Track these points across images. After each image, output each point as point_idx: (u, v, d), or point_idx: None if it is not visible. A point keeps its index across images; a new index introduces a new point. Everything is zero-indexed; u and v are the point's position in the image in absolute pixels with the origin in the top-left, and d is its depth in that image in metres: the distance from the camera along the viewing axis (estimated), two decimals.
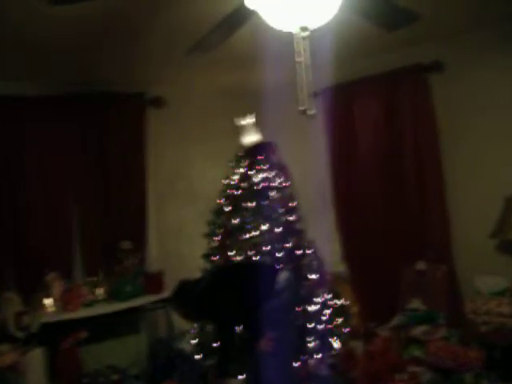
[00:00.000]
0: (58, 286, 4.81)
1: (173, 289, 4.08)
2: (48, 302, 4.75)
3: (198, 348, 5.04)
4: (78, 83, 5.23)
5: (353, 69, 5.51)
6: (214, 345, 4.73)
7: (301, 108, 2.57)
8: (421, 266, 5.24)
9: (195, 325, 5.08)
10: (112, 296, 5.05)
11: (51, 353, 4.47)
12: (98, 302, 4.96)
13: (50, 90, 5.13)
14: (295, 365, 4.46)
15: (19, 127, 5.04)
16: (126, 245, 5.21)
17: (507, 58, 4.72)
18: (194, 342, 5.07)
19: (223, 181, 5.17)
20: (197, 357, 5.00)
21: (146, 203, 5.70)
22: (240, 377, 4.42)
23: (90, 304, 4.91)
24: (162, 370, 5.21)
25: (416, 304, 5.04)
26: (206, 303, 3.88)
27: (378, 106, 5.49)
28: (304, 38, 2.55)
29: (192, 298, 3.90)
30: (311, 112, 2.57)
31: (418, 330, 4.71)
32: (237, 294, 3.87)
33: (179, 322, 5.35)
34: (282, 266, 4.56)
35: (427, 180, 5.25)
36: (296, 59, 2.59)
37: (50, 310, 4.74)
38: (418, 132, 5.27)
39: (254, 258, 4.72)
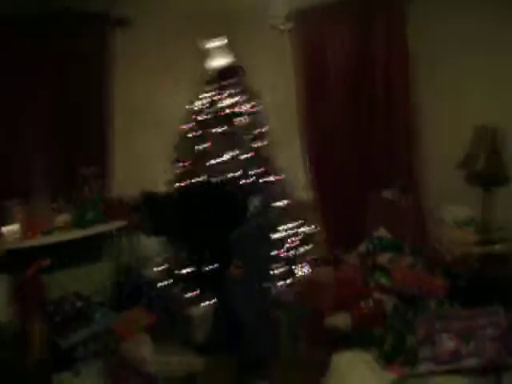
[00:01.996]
0: (17, 214, 4.68)
1: (140, 199, 3.99)
2: (8, 229, 4.63)
3: (165, 274, 5.03)
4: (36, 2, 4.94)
5: None
6: (182, 271, 4.73)
7: (272, 23, 2.44)
8: (388, 194, 5.23)
9: (160, 250, 5.06)
10: (74, 223, 4.95)
11: (15, 280, 4.39)
12: (60, 229, 4.85)
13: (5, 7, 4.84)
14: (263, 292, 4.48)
15: None
16: (88, 170, 5.08)
17: None
18: (160, 268, 5.05)
19: (191, 105, 5.04)
20: (163, 283, 5.00)
21: (109, 128, 5.52)
22: (206, 303, 4.44)
23: (51, 231, 4.81)
24: (129, 297, 5.21)
25: (382, 232, 5.06)
26: (177, 218, 3.79)
27: (351, 32, 5.32)
28: None
29: (162, 210, 3.81)
30: (282, 27, 2.44)
31: (384, 258, 4.73)
32: (207, 215, 3.80)
33: (144, 249, 5.33)
34: (251, 192, 4.50)
35: (397, 108, 5.18)
36: None
37: (11, 238, 4.63)
38: (390, 59, 5.14)
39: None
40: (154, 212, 3.88)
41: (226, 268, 3.82)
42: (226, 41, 4.92)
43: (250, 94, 5.02)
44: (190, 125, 5.01)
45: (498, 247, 4.49)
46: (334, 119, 5.57)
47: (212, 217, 3.84)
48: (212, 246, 3.89)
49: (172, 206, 3.82)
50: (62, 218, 4.89)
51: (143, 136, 5.70)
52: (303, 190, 5.95)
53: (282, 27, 2.42)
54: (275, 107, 5.78)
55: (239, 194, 4.47)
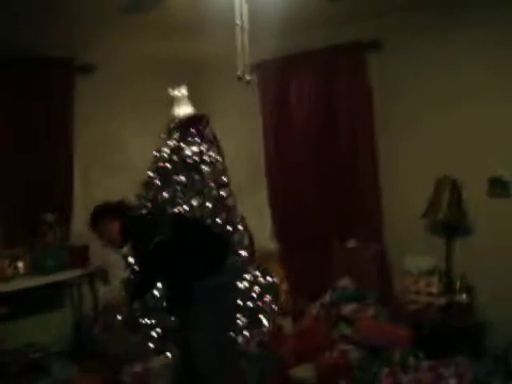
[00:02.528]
0: None
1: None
2: None
3: (125, 324, 4.92)
4: (1, 46, 4.91)
5: (291, 43, 5.38)
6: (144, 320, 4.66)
7: (238, 74, 2.47)
8: (351, 243, 5.25)
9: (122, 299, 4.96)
10: (34, 270, 4.84)
11: None
12: (20, 276, 4.73)
13: None
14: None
15: None
16: (49, 217, 4.99)
17: (443, 38, 4.71)
18: (119, 317, 4.94)
19: (154, 153, 5.02)
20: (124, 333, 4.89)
21: (72, 175, 5.45)
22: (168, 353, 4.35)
23: (10, 278, 4.68)
24: (88, 346, 5.08)
25: (346, 282, 5.05)
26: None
27: (315, 82, 5.42)
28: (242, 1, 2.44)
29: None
30: (248, 78, 2.47)
31: (348, 308, 4.72)
32: (194, 252, 3.70)
33: (105, 298, 5.23)
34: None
35: (360, 158, 5.23)
36: (236, 21, 2.47)
37: None
38: (353, 109, 5.22)
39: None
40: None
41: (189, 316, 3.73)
42: (185, 91, 4.94)
43: (214, 142, 5.02)
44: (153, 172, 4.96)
45: (461, 296, 4.52)
46: (298, 168, 5.61)
47: (199, 253, 3.74)
48: (180, 291, 3.78)
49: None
50: (22, 265, 4.77)
51: (106, 181, 5.65)
52: (267, 240, 5.95)
53: (247, 78, 2.44)
54: (240, 156, 5.81)
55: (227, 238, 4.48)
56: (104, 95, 5.64)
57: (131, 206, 4.10)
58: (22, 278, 4.74)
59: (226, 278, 3.90)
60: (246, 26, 2.46)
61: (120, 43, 5.30)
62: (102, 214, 3.77)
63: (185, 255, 3.66)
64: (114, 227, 3.70)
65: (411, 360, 3.95)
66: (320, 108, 5.43)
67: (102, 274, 5.19)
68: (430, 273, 4.67)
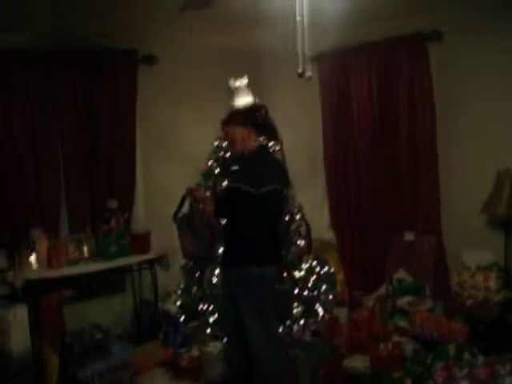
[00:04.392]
0: (43, 243, 4.74)
1: None
2: (32, 258, 4.69)
3: (183, 309, 5.04)
4: (69, 38, 5.07)
5: (351, 35, 5.36)
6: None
7: (298, 71, 2.51)
8: (409, 236, 5.23)
9: (180, 285, 5.08)
10: (98, 255, 4.99)
11: (35, 311, 4.42)
12: (84, 261, 4.90)
13: (38, 43, 4.96)
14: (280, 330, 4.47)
15: (7, 81, 4.89)
16: (113, 203, 5.14)
17: (506, 29, 4.62)
18: (178, 303, 5.07)
19: (214, 143, 5.10)
20: (181, 318, 5.02)
21: (134, 162, 5.60)
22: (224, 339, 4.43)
23: (75, 262, 4.84)
24: (147, 330, 5.23)
25: (402, 274, 5.04)
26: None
27: (375, 74, 5.39)
28: None
29: None
30: (307, 74, 2.50)
31: (404, 301, 4.72)
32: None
33: (164, 284, 5.37)
34: None
35: (420, 151, 5.19)
36: (296, 18, 2.50)
37: (35, 266, 4.68)
38: (413, 102, 5.18)
39: None
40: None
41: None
42: (246, 81, 4.99)
43: (273, 133, 5.06)
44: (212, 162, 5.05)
45: None
46: (357, 161, 5.61)
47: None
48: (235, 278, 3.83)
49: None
50: (87, 250, 4.94)
51: (166, 169, 5.79)
52: (324, 230, 5.99)
53: (308, 74, 2.48)
54: (299, 146, 5.86)
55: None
56: (165, 85, 5.76)
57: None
58: (85, 262, 4.88)
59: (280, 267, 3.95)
60: (306, 21, 2.49)
61: (180, 35, 5.38)
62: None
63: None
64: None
65: (466, 355, 3.92)
66: (380, 99, 5.41)
67: (163, 261, 5.31)
68: (488, 268, 4.61)
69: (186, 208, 3.93)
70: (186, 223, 4.11)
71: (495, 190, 4.58)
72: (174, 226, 4.25)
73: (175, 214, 4.12)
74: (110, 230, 5.04)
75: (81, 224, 5.13)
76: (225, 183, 4.76)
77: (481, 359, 3.79)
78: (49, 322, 4.48)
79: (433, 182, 5.13)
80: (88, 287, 5.18)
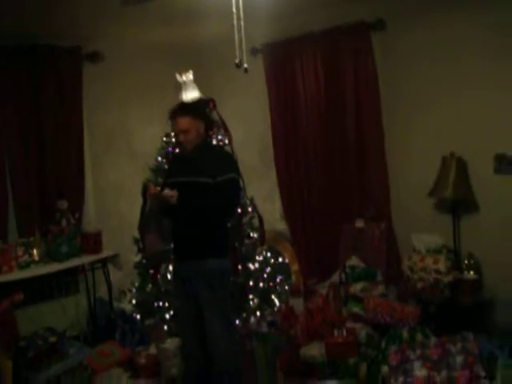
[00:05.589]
0: None
1: None
2: None
3: (139, 308, 5.01)
4: (12, 35, 4.97)
5: (294, 25, 5.41)
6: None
7: (236, 61, 2.51)
8: (360, 223, 5.30)
9: (135, 284, 5.04)
10: (49, 256, 4.92)
11: None
12: (35, 263, 4.82)
13: None
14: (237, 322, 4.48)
15: None
16: (63, 204, 5.07)
17: (447, 16, 4.71)
18: (133, 301, 5.03)
19: (163, 138, 5.07)
20: (137, 316, 4.98)
21: (83, 161, 5.53)
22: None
23: (26, 265, 4.77)
24: (103, 330, 5.18)
25: (355, 261, 5.12)
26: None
27: (320, 63, 5.46)
28: None
29: None
30: (245, 66, 2.51)
31: (357, 287, 4.78)
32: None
33: (119, 282, 5.32)
34: None
35: (367, 138, 5.29)
36: (232, 10, 2.51)
37: None
38: (359, 89, 5.26)
39: None
40: None
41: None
42: (191, 76, 4.97)
43: (221, 126, 5.05)
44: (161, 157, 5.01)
45: (468, 274, 4.56)
46: (307, 151, 5.66)
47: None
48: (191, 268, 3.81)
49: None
50: (37, 252, 4.85)
51: (116, 166, 5.74)
52: (277, 221, 6.02)
53: (245, 66, 2.49)
54: (249, 138, 5.87)
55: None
56: (111, 83, 5.71)
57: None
58: (36, 264, 4.81)
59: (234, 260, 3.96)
60: (241, 13, 2.49)
61: (124, 32, 5.34)
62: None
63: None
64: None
65: (419, 337, 4.00)
66: (326, 89, 5.48)
67: (116, 260, 5.27)
68: (438, 250, 4.71)
69: (147, 208, 3.87)
70: (153, 220, 4.07)
71: (441, 174, 4.68)
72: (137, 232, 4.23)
73: (140, 226, 4.08)
74: (60, 231, 4.97)
75: (30, 227, 5.04)
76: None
77: (433, 340, 3.87)
78: (1, 327, 4.39)
79: (380, 168, 5.22)
80: (40, 290, 5.10)
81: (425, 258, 4.67)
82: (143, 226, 4.10)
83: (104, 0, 4.27)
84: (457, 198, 4.67)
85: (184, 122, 3.71)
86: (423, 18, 4.83)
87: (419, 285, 4.61)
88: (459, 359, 3.58)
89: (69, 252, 4.96)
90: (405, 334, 4.05)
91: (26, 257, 4.78)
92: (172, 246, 3.90)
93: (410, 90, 5.03)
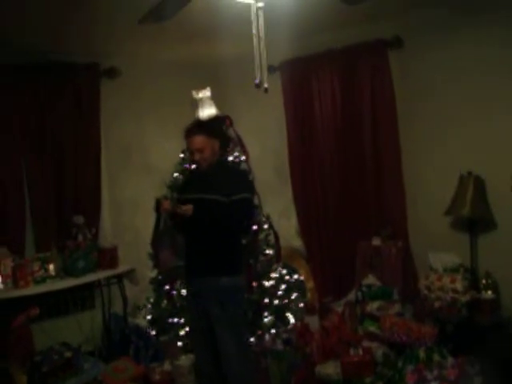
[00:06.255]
0: (8, 262, 4.66)
1: None
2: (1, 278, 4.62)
3: (153, 324, 5.01)
4: (31, 52, 5.04)
5: (312, 43, 5.44)
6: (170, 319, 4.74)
7: (255, 81, 2.52)
8: (376, 241, 5.27)
9: (150, 299, 5.05)
10: (65, 272, 4.93)
11: (2, 331, 4.36)
12: (51, 278, 4.83)
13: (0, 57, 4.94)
14: (251, 340, 4.46)
15: None
16: (79, 219, 5.09)
17: (466, 34, 4.70)
18: (148, 317, 5.04)
19: (180, 155, 5.09)
20: (152, 332, 4.98)
21: (99, 177, 5.57)
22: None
23: (42, 280, 4.78)
24: (117, 346, 5.18)
25: (371, 280, 5.09)
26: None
27: (337, 81, 5.46)
28: (259, 9, 2.48)
29: None
30: (265, 86, 2.52)
31: (373, 306, 4.75)
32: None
33: (134, 298, 5.33)
34: None
35: (384, 156, 5.27)
36: (252, 31, 2.52)
37: (1, 287, 4.60)
38: (376, 107, 5.26)
39: None
40: None
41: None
42: (209, 92, 5.00)
43: (237, 143, 5.07)
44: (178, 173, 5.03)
45: (486, 293, 4.52)
46: (323, 168, 5.65)
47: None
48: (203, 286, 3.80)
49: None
50: (53, 267, 4.87)
51: (132, 182, 5.78)
52: (292, 238, 6.01)
53: (265, 86, 2.50)
54: (265, 156, 5.88)
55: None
56: (128, 99, 5.76)
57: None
58: (52, 280, 4.82)
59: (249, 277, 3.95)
60: (263, 34, 2.50)
61: (141, 48, 5.40)
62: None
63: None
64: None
65: (436, 357, 3.96)
66: (343, 106, 5.47)
67: (131, 275, 5.28)
68: (455, 269, 4.67)
69: (162, 224, 3.88)
70: (168, 236, 4.08)
71: (458, 193, 4.65)
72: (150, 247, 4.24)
73: (153, 242, 4.10)
74: (76, 246, 4.99)
75: (47, 242, 5.07)
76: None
77: (450, 360, 3.84)
78: (17, 341, 4.41)
79: (397, 187, 5.19)
80: (56, 305, 5.12)
81: (442, 277, 4.63)
82: (157, 242, 4.11)
83: (121, 17, 4.34)
84: (474, 217, 4.63)
85: (198, 140, 3.72)
86: (442, 36, 4.82)
87: (436, 304, 4.57)
88: (477, 381, 3.55)
89: (85, 267, 4.97)
90: (421, 354, 4.01)
91: (41, 272, 4.80)
92: (185, 262, 3.91)
93: (427, 108, 5.01)
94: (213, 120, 4.87)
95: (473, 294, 4.51)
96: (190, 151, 4.03)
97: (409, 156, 5.16)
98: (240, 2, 2.62)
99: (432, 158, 5.01)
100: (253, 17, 2.49)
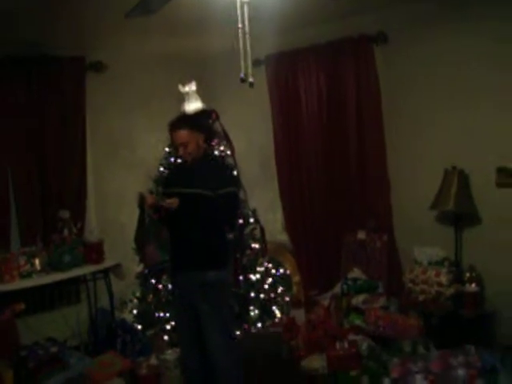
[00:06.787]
0: None
1: None
2: None
3: (140, 318, 5.01)
4: (16, 45, 5.00)
5: (297, 37, 5.45)
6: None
7: (241, 75, 2.53)
8: (361, 235, 5.30)
9: (136, 294, 5.05)
10: (51, 266, 4.91)
11: None
12: (36, 273, 4.82)
13: None
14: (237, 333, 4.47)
15: None
16: (65, 213, 5.07)
17: (450, 29, 4.73)
18: (135, 312, 5.04)
19: (166, 149, 5.08)
20: (138, 327, 4.98)
21: (85, 171, 5.56)
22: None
23: (27, 275, 4.76)
24: (104, 340, 5.17)
25: (356, 273, 5.12)
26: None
27: (323, 75, 5.46)
28: (243, 3, 2.49)
29: None
30: (251, 80, 2.53)
31: (359, 299, 4.78)
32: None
33: (120, 292, 5.32)
34: None
35: (369, 151, 5.28)
36: (238, 25, 2.53)
37: None
38: (361, 103, 5.27)
39: None
40: None
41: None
42: (194, 87, 4.99)
43: (223, 137, 5.06)
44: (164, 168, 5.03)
45: (470, 286, 4.55)
46: (309, 162, 5.66)
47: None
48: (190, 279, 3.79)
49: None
50: (39, 262, 4.85)
51: (118, 176, 5.77)
52: (278, 232, 6.02)
53: (250, 80, 2.51)
54: (251, 150, 5.89)
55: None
56: (114, 92, 5.74)
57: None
58: (38, 274, 4.79)
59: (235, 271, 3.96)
60: (247, 28, 2.51)
61: (127, 42, 5.37)
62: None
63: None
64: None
65: (421, 349, 4.00)
66: (328, 101, 5.48)
67: (117, 270, 5.27)
68: (439, 263, 4.71)
69: (146, 219, 3.87)
70: (152, 231, 4.07)
71: (443, 187, 4.68)
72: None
73: (136, 237, 4.09)
74: (62, 241, 4.97)
75: (32, 236, 5.05)
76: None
77: (435, 353, 3.87)
78: (2, 336, 4.39)
79: (382, 180, 5.22)
80: (42, 299, 5.10)
81: (427, 271, 4.67)
82: (141, 238, 4.11)
83: (107, 11, 4.31)
84: (459, 211, 4.66)
85: (183, 134, 3.71)
86: (426, 31, 4.83)
87: (421, 297, 4.61)
88: (461, 372, 3.58)
89: (71, 262, 4.95)
90: (406, 347, 4.06)
91: (27, 266, 4.78)
92: (170, 256, 3.91)
93: (412, 102, 5.03)
94: (198, 114, 4.87)
95: (457, 287, 4.54)
96: (174, 145, 4.02)
97: (394, 150, 5.18)
98: None
99: (417, 151, 5.03)
100: (238, 12, 2.49)
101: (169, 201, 3.58)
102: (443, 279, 4.56)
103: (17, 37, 4.86)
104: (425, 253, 4.82)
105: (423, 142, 4.99)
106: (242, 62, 2.50)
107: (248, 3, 2.50)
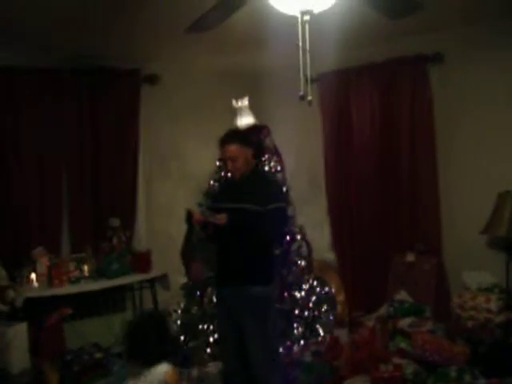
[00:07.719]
0: (44, 261, 4.75)
1: None
2: (33, 277, 4.70)
3: (183, 329, 5.03)
4: (74, 57, 5.15)
5: (353, 56, 5.44)
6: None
7: (299, 93, 2.54)
8: (410, 257, 5.23)
9: (181, 305, 5.07)
10: (99, 273, 5.00)
11: (35, 328, 4.42)
12: (85, 279, 4.90)
13: (43, 62, 5.05)
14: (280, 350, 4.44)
15: (10, 98, 4.96)
16: (115, 222, 5.16)
17: (505, 54, 4.66)
18: (178, 322, 5.06)
19: (216, 162, 5.11)
20: (181, 337, 5.00)
21: (136, 181, 5.64)
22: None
23: (76, 280, 4.86)
24: None
25: (403, 295, 5.04)
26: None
27: (376, 95, 5.44)
28: (305, 22, 2.50)
29: None
30: (309, 98, 2.53)
31: (405, 322, 4.70)
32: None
33: (164, 302, 5.36)
34: None
35: (421, 172, 5.23)
36: (298, 43, 2.54)
37: (36, 285, 4.69)
38: (414, 123, 5.23)
39: None
40: None
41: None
42: (247, 102, 5.02)
43: (274, 153, 5.08)
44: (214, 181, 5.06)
45: None
46: (358, 180, 5.63)
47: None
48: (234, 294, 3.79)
49: None
50: (88, 268, 4.94)
51: (168, 188, 5.83)
52: (325, 250, 5.99)
53: (309, 98, 2.52)
54: (301, 167, 5.89)
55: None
56: (167, 104, 5.82)
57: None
58: (86, 280, 4.90)
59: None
60: (308, 46, 2.52)
61: (182, 55, 5.46)
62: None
63: None
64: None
65: (467, 378, 3.91)
66: (381, 121, 5.45)
67: (163, 280, 5.31)
68: (489, 289, 4.61)
69: (194, 237, 3.88)
70: (199, 248, 4.09)
71: (496, 212, 4.59)
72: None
73: (183, 253, 4.12)
74: (111, 249, 5.05)
75: (82, 243, 5.15)
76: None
77: (482, 382, 3.78)
78: (49, 339, 4.47)
79: (433, 202, 5.15)
80: (88, 306, 5.17)
81: (476, 297, 4.57)
82: (188, 254, 4.13)
83: (162, 24, 4.40)
84: (511, 237, 4.56)
85: (232, 149, 3.72)
86: (483, 52, 4.79)
87: (469, 324, 4.51)
88: None
89: (118, 270, 5.03)
90: (453, 374, 3.97)
91: (76, 272, 4.87)
92: (216, 271, 3.92)
93: (467, 124, 4.97)
94: (248, 129, 4.89)
95: (507, 314, 4.44)
96: (223, 160, 4.05)
97: (446, 172, 5.12)
98: (283, 14, 2.64)
99: (470, 174, 4.97)
100: (300, 29, 2.50)
101: (218, 216, 3.59)
102: (493, 306, 4.46)
103: (80, 50, 5.05)
104: (474, 278, 4.73)
105: (477, 164, 4.92)
106: (302, 80, 2.51)
107: (308, 22, 2.51)
